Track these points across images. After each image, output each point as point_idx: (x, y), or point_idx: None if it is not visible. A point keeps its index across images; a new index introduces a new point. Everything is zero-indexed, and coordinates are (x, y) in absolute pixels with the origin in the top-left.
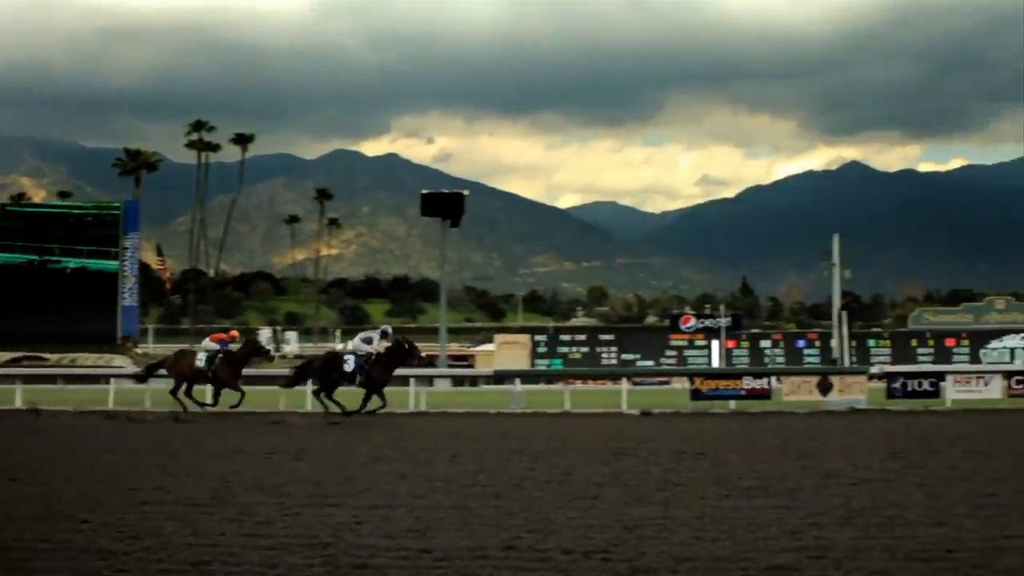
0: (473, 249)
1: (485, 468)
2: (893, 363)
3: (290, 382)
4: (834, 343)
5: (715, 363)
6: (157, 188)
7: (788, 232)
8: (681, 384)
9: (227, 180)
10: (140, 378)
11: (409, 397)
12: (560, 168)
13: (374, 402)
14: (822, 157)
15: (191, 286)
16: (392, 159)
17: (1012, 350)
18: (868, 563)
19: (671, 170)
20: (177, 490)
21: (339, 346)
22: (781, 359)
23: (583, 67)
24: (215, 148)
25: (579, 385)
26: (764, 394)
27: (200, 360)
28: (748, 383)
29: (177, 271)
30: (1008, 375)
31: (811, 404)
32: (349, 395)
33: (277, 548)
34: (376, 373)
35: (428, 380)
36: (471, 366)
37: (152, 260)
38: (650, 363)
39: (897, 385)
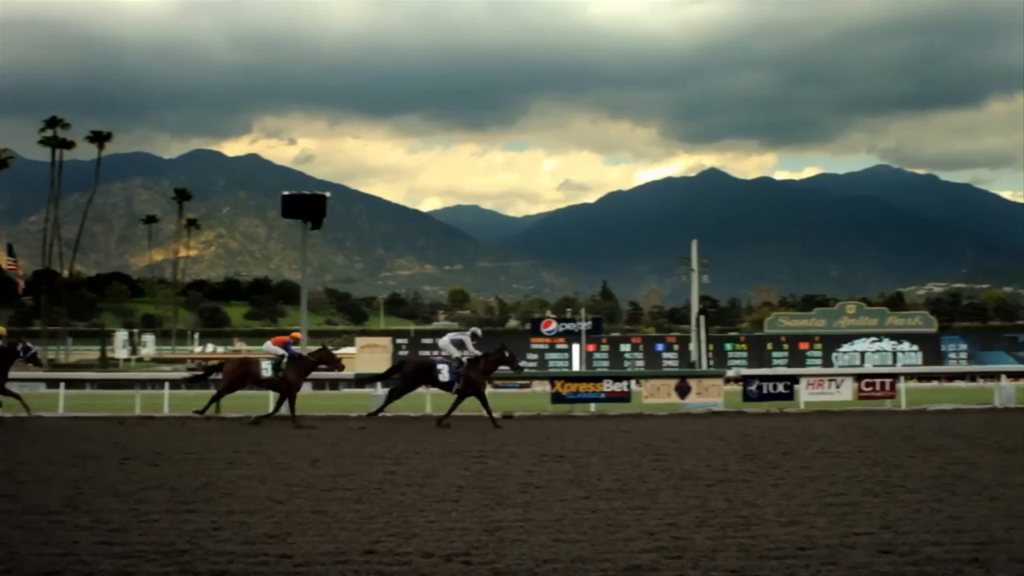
0: (335, 251)
1: (345, 472)
2: (749, 366)
3: (374, 380)
4: (692, 346)
5: (575, 366)
6: (8, 186)
7: (648, 237)
8: (542, 387)
9: (82, 179)
10: (194, 382)
11: (268, 401)
12: (423, 171)
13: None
14: (682, 164)
15: (44, 287)
16: (253, 160)
17: (862, 353)
18: (724, 562)
19: (533, 175)
20: (26, 497)
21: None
22: (640, 362)
23: (447, 71)
24: (70, 145)
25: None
26: (624, 397)
27: (266, 370)
28: (608, 386)
29: (30, 272)
30: (859, 378)
31: (670, 407)
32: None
33: (132, 556)
34: (474, 376)
35: None
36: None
37: (2, 260)
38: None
39: (753, 388)
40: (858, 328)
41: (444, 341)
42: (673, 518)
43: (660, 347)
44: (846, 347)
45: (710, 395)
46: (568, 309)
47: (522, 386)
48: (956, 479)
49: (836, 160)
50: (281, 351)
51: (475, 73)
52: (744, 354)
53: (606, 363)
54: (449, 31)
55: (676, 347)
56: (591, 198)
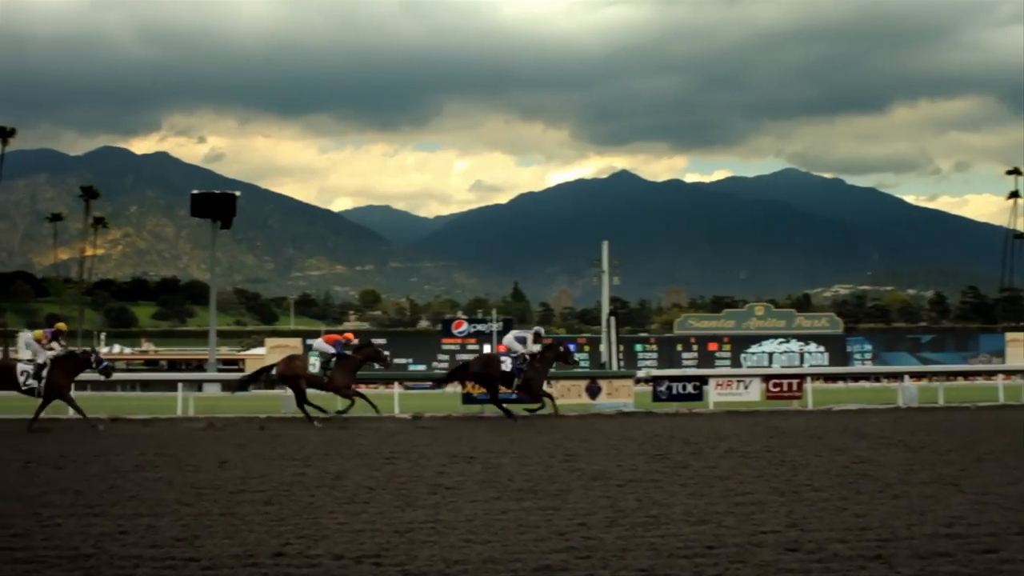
0: (245, 251)
1: (254, 474)
2: (659, 367)
3: (441, 382)
4: (603, 347)
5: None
6: None
7: (559, 238)
8: (453, 388)
9: None
10: (238, 386)
11: (178, 402)
12: (334, 171)
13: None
14: (593, 166)
15: None
16: (162, 158)
17: (770, 354)
18: (634, 561)
19: (445, 175)
20: None
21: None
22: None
23: (359, 70)
24: None
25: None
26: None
27: (313, 365)
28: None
29: None
30: (767, 378)
31: (580, 407)
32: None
33: (35, 561)
34: (531, 374)
35: (197, 385)
36: (242, 370)
37: None
38: (422, 367)
39: (663, 388)
40: (766, 329)
41: (509, 338)
42: (583, 518)
43: (571, 348)
44: (754, 348)
45: (620, 396)
46: (479, 310)
47: (433, 387)
48: (860, 478)
49: (745, 163)
50: (331, 349)
51: (387, 73)
52: (654, 355)
53: None
54: (362, 30)
55: (587, 348)
56: (503, 199)
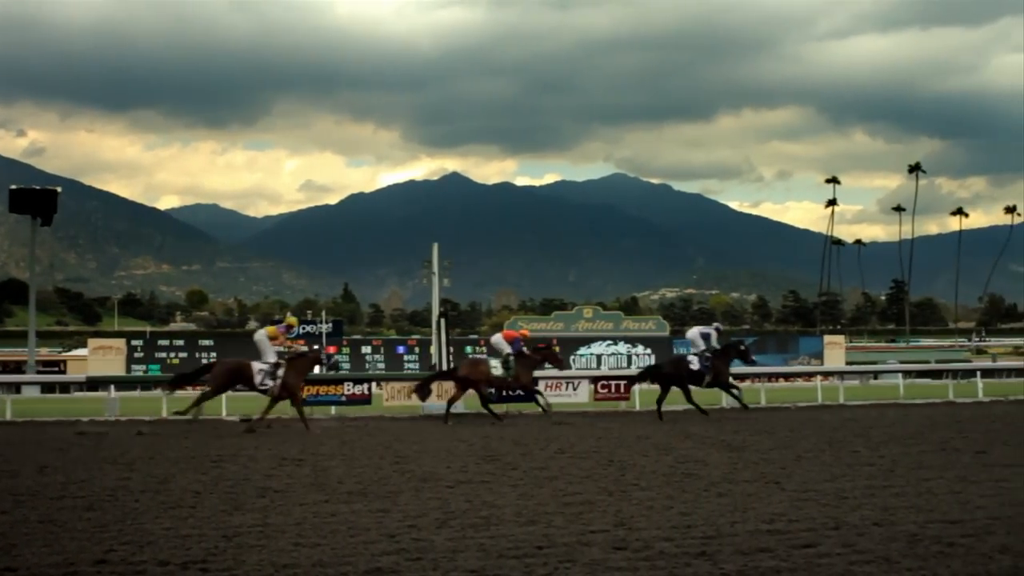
0: (66, 249)
1: (76, 479)
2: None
3: (632, 382)
4: (433, 349)
5: (316, 368)
6: None
7: (390, 239)
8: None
9: None
10: (421, 390)
11: None
12: (160, 168)
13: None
14: (424, 167)
15: None
16: None
17: (599, 356)
18: (465, 563)
19: (274, 174)
20: None
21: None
22: (381, 365)
23: (187, 66)
24: None
25: (178, 391)
26: (364, 399)
27: (496, 368)
28: (349, 389)
29: None
30: (595, 380)
31: (411, 409)
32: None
33: None
34: (720, 371)
35: (15, 387)
36: (62, 372)
37: None
38: None
39: (492, 390)
40: (595, 332)
41: (693, 333)
42: (414, 520)
43: (401, 349)
44: (583, 350)
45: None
46: (309, 311)
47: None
48: (686, 477)
49: (575, 168)
50: (509, 348)
51: (217, 69)
52: (484, 356)
53: (347, 365)
54: (191, 25)
55: (417, 350)
56: (333, 199)
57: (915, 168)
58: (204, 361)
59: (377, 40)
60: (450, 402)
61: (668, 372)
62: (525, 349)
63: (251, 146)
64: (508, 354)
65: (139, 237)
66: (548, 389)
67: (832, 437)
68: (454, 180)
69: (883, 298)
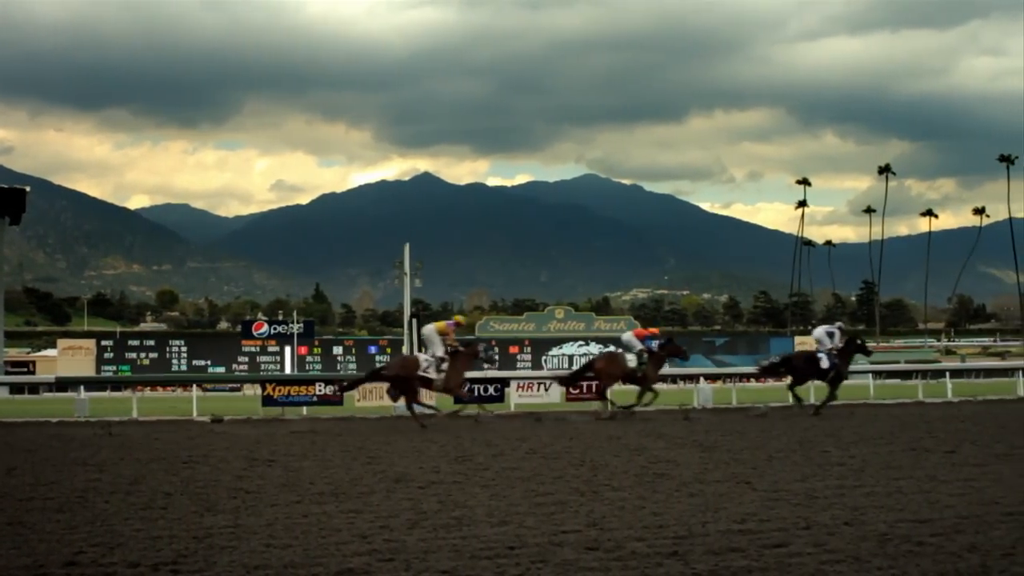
0: (35, 249)
1: (46, 480)
2: None
3: (763, 373)
4: (405, 350)
5: (288, 369)
6: None
7: (361, 240)
8: (253, 390)
9: None
10: (565, 382)
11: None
12: (131, 167)
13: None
14: (396, 168)
15: None
16: None
17: (571, 357)
18: (437, 563)
19: (245, 174)
20: None
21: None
22: (353, 365)
23: (158, 64)
24: None
25: (148, 392)
26: (336, 400)
27: (631, 361)
28: (320, 389)
29: None
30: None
31: (382, 409)
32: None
33: None
34: (842, 368)
35: None
36: (31, 372)
37: None
38: (222, 369)
39: (464, 390)
40: (566, 332)
41: (820, 332)
42: (385, 520)
43: (373, 350)
44: (555, 351)
45: (422, 397)
46: (280, 311)
47: (232, 389)
48: (658, 477)
49: (546, 168)
50: (641, 344)
51: (188, 68)
52: (620, 351)
53: (319, 366)
54: (162, 24)
55: (389, 350)
56: (304, 199)
57: (885, 170)
58: (174, 362)
59: (348, 40)
60: (601, 395)
61: (798, 366)
62: (655, 345)
63: (222, 146)
64: (641, 350)
65: (109, 237)
66: (520, 389)
67: (803, 437)
68: (426, 180)
69: (853, 299)
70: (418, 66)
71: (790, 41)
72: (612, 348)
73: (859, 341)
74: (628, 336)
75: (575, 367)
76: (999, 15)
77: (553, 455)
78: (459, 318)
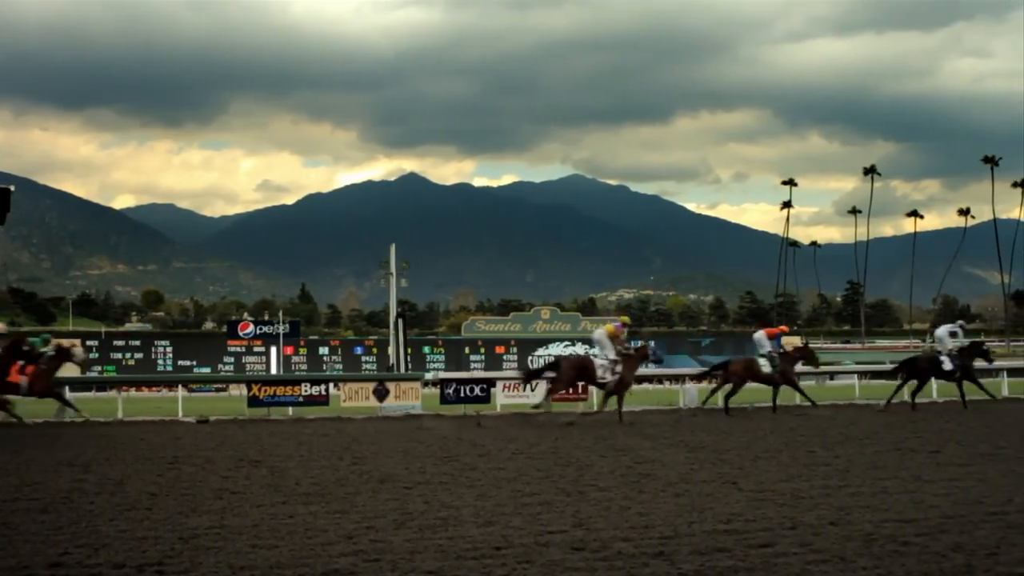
0: (19, 248)
1: (29, 481)
2: (447, 369)
3: (892, 374)
4: (391, 350)
5: (274, 369)
6: None
7: (347, 240)
8: (239, 391)
9: None
10: (704, 376)
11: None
12: (116, 167)
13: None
14: (382, 168)
15: None
16: None
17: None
18: (422, 564)
19: (231, 174)
20: None
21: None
22: (339, 365)
23: (142, 65)
24: None
25: (134, 392)
26: (322, 400)
27: (765, 366)
28: (306, 389)
29: None
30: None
31: (368, 410)
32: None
33: None
34: (967, 364)
35: None
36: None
37: None
38: (207, 369)
39: (450, 391)
40: (552, 333)
41: (941, 332)
42: (371, 521)
43: (359, 350)
44: (541, 351)
45: (408, 398)
46: (266, 312)
47: (218, 389)
48: (644, 477)
49: (533, 169)
50: (769, 344)
51: (173, 68)
52: (442, 357)
53: (304, 366)
54: (147, 23)
55: (375, 350)
56: (290, 199)
57: (870, 170)
58: (160, 362)
59: (335, 40)
60: (734, 392)
61: (923, 367)
62: (785, 346)
63: (207, 145)
64: (770, 352)
65: (94, 237)
66: (506, 390)
67: (789, 438)
68: (412, 180)
69: (839, 299)
70: (404, 66)
71: (776, 42)
72: (597, 349)
73: (984, 347)
74: (759, 335)
75: None
76: (983, 17)
77: (539, 455)
78: (625, 319)
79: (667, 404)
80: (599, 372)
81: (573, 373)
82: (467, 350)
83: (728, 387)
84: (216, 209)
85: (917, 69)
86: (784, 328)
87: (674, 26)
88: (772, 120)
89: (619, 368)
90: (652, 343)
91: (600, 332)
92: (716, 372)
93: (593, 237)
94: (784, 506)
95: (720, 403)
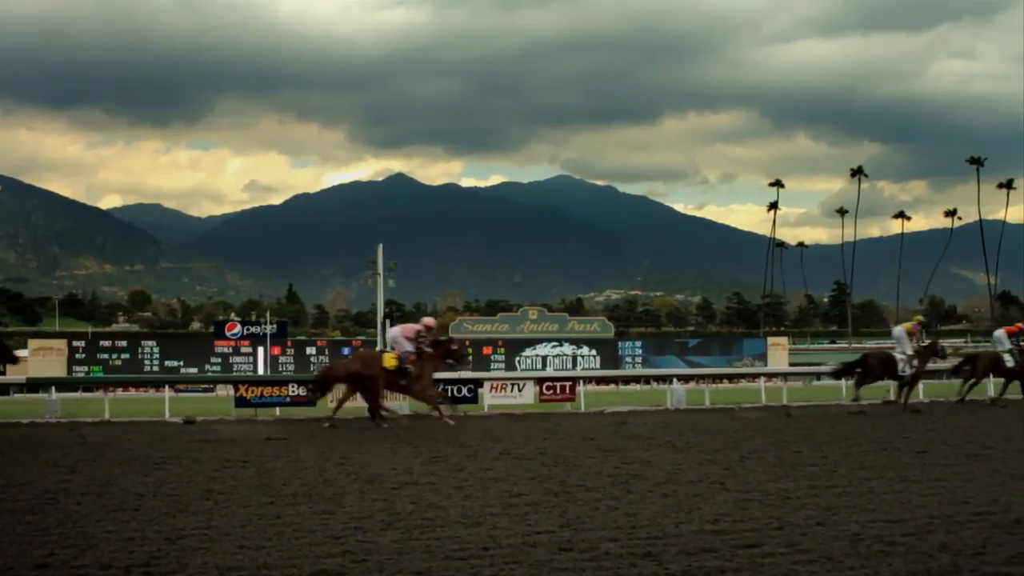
0: (6, 248)
1: (15, 482)
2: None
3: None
4: (378, 350)
5: (261, 370)
6: None
7: (334, 240)
8: (226, 391)
9: None
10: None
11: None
12: (103, 167)
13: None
14: (369, 168)
15: None
16: None
17: (544, 357)
18: (410, 564)
19: (218, 174)
20: None
21: None
22: None
23: (129, 64)
24: None
25: (120, 393)
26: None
27: (1008, 361)
28: (294, 390)
29: None
30: (540, 381)
31: (356, 410)
32: None
33: None
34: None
35: None
36: (2, 373)
37: None
38: (194, 370)
39: (437, 391)
40: (540, 333)
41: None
42: (359, 521)
43: (346, 351)
44: (528, 351)
45: (396, 398)
46: (253, 312)
47: (205, 390)
48: (631, 477)
49: (520, 169)
50: (1009, 342)
51: (160, 68)
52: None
53: (291, 366)
54: (134, 23)
55: (362, 351)
56: (277, 200)
57: (857, 171)
58: (146, 362)
59: (322, 40)
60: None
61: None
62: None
63: (194, 145)
64: (1010, 347)
65: (81, 237)
66: (494, 390)
67: (776, 438)
68: (399, 181)
69: (826, 300)
70: (392, 67)
71: (763, 44)
72: (584, 349)
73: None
74: (898, 330)
75: (548, 368)
76: (969, 19)
77: (527, 456)
78: (919, 317)
79: (655, 405)
80: (900, 366)
81: (881, 368)
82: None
83: (972, 381)
84: (203, 209)
85: (904, 71)
86: (1020, 325)
87: (661, 27)
88: (759, 121)
89: (915, 362)
90: (940, 342)
91: (899, 330)
92: (965, 367)
93: (581, 238)
94: (771, 506)
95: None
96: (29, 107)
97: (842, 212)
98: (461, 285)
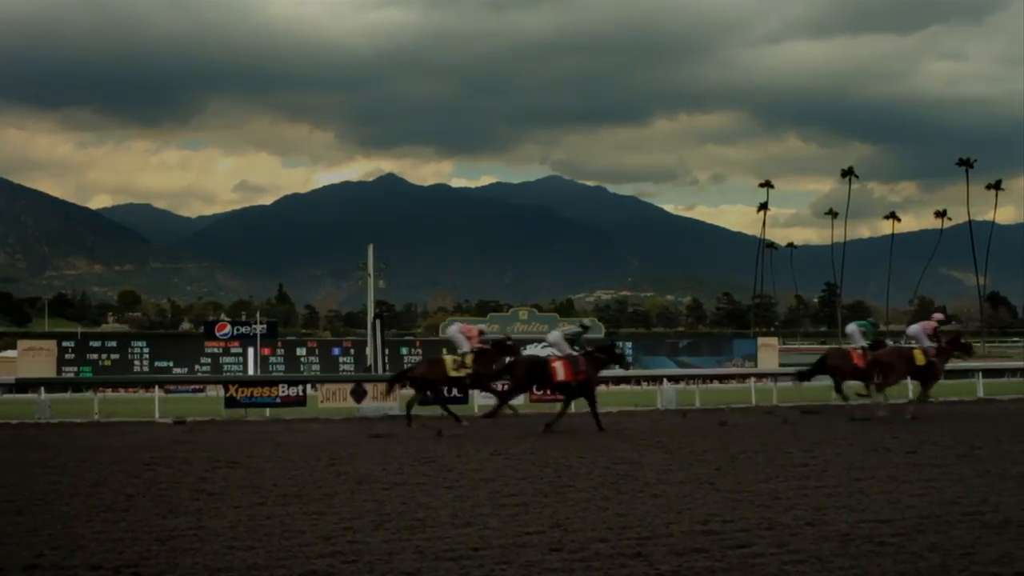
0: None
1: (5, 483)
2: None
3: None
4: (368, 351)
5: (251, 370)
6: None
7: (325, 240)
8: (216, 392)
9: None
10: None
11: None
12: (93, 167)
13: None
14: (360, 168)
15: None
16: None
17: None
18: (400, 564)
19: (209, 174)
20: None
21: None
22: (317, 366)
23: (119, 64)
24: None
25: (110, 393)
26: (300, 401)
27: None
28: (284, 390)
29: None
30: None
31: (346, 411)
32: None
33: None
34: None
35: None
36: None
37: None
38: (184, 370)
39: (429, 392)
40: (530, 333)
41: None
42: (349, 522)
43: (336, 351)
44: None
45: (386, 399)
46: (243, 312)
47: (195, 390)
48: (621, 478)
49: (511, 169)
50: (926, 338)
51: (150, 68)
52: (420, 358)
53: (282, 367)
54: (124, 22)
55: (352, 351)
56: (268, 200)
57: (848, 172)
58: (136, 363)
59: (312, 40)
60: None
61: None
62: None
63: (185, 145)
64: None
65: (70, 237)
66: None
67: (765, 439)
68: (390, 181)
69: (816, 301)
70: (382, 67)
71: (753, 44)
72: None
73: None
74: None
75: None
76: (959, 20)
77: (517, 456)
78: (939, 315)
79: (646, 405)
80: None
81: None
82: (445, 351)
83: None
84: (193, 209)
85: (893, 72)
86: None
87: (652, 28)
88: (750, 122)
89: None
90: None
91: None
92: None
93: (571, 238)
94: (761, 507)
95: None
96: (18, 107)
97: (832, 213)
98: (451, 285)
